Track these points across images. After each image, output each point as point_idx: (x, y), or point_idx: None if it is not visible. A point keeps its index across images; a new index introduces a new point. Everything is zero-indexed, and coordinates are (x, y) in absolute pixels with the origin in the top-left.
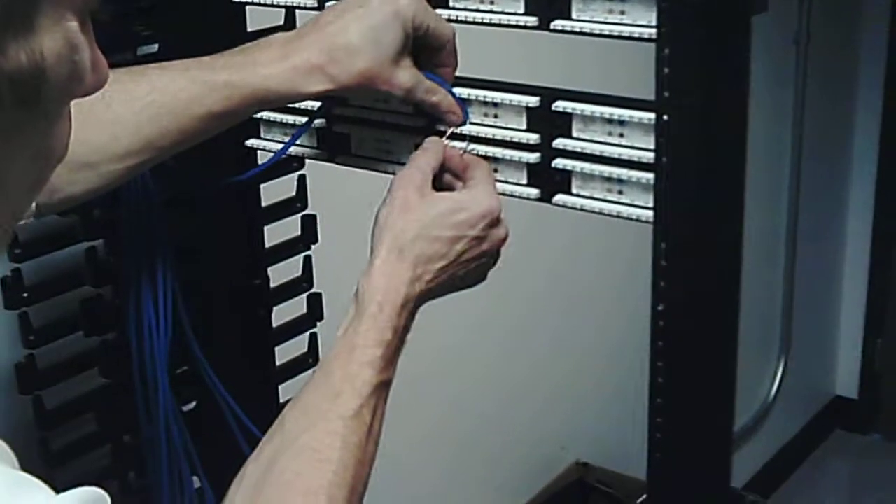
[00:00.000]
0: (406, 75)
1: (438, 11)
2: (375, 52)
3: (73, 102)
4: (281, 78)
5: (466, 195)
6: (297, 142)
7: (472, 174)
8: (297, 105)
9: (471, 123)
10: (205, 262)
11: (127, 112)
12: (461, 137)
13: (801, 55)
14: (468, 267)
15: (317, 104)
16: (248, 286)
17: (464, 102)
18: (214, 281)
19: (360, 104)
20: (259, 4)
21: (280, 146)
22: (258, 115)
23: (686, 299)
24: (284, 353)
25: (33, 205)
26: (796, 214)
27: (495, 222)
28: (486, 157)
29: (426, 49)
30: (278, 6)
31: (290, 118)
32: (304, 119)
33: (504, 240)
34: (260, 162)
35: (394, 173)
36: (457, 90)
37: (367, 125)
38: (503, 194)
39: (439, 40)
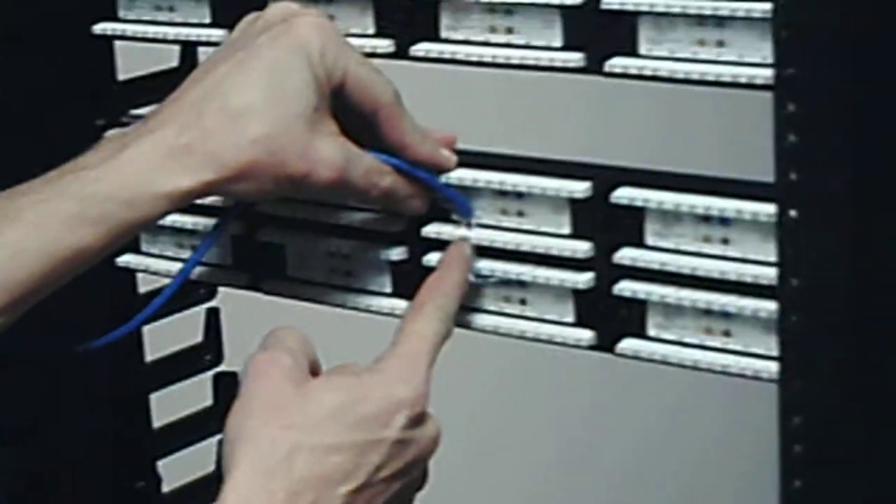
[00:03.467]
0: (330, 147)
1: (425, 46)
2: (274, 109)
3: None
4: (120, 177)
5: (371, 378)
6: (204, 258)
7: (396, 338)
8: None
9: (477, 226)
10: (52, 457)
11: None
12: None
13: None
14: (391, 489)
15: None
16: (127, 493)
17: (457, 192)
18: (70, 489)
19: (302, 198)
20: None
21: (173, 265)
22: None
23: None
24: None
25: None
26: None
27: (419, 418)
28: (506, 282)
29: (353, 117)
30: (171, 41)
31: (186, 220)
32: (210, 221)
33: (436, 443)
34: (142, 290)
35: (356, 308)
36: (453, 174)
37: (311, 231)
38: (536, 340)
39: (369, 98)
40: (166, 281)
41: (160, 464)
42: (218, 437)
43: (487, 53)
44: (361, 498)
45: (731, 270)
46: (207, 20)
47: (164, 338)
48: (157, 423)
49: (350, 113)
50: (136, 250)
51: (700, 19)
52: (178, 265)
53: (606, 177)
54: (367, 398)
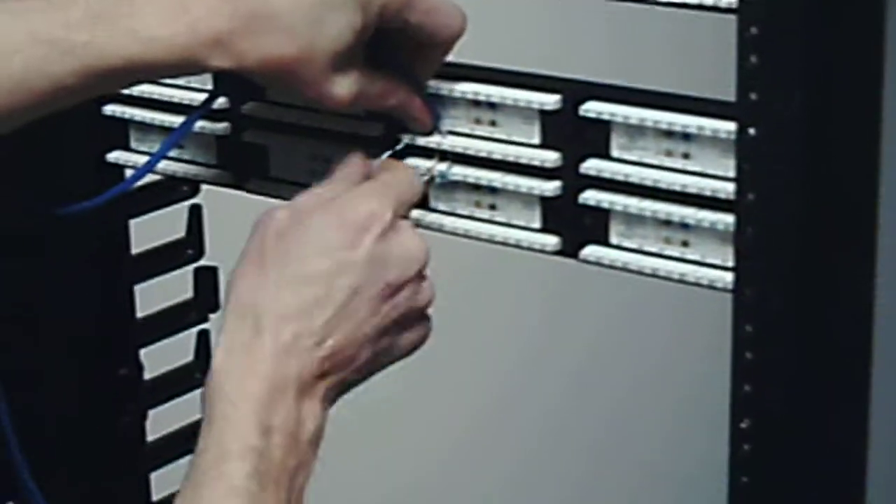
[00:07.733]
0: (344, 86)
1: None
2: (309, 39)
3: None
4: (174, 47)
5: (333, 205)
6: (189, 157)
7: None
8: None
9: (449, 134)
10: (39, 343)
11: None
12: (430, 154)
13: None
14: (379, 311)
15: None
16: (110, 379)
17: (434, 100)
18: (55, 373)
19: (282, 101)
20: None
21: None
22: (125, 117)
23: (783, 412)
24: (165, 481)
25: None
26: None
27: (388, 230)
28: (478, 187)
29: (403, 46)
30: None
31: (175, 119)
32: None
33: (419, 260)
34: None
35: None
36: (431, 83)
37: (294, 133)
38: (503, 244)
39: (431, 38)
40: (153, 177)
41: (143, 352)
42: (198, 328)
43: None
44: (343, 323)
45: (691, 184)
46: None
47: (149, 233)
48: (141, 313)
49: (400, 43)
50: (126, 147)
51: None
52: (165, 162)
53: (576, 91)
54: (336, 223)
